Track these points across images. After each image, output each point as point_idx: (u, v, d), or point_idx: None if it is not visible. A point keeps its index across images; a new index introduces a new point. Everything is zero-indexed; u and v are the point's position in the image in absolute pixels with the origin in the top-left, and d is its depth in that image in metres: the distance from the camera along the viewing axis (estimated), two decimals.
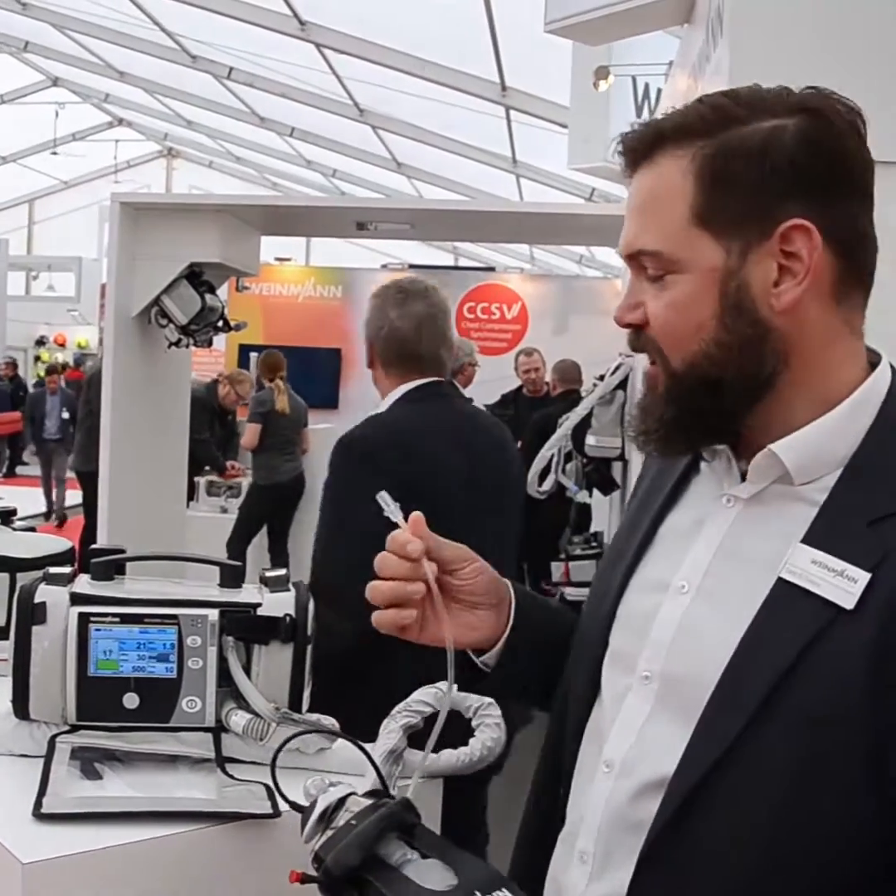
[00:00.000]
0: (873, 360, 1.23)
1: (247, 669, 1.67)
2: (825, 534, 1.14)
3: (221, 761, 1.65)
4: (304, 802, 1.31)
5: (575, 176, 10.87)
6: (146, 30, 12.35)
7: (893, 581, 1.08)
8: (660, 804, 1.15)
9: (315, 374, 11.47)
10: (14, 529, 2.36)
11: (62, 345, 22.79)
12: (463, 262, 19.70)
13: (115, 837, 1.45)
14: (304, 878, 1.21)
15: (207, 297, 5.08)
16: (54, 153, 21.57)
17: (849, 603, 1.09)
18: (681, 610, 1.22)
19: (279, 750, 1.44)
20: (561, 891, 1.29)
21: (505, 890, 1.13)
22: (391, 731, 1.65)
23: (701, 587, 1.21)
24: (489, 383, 8.84)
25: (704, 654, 1.16)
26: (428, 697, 1.68)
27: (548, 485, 5.45)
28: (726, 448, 1.24)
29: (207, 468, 8.30)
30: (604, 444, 5.07)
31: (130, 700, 1.64)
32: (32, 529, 2.45)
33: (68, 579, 1.71)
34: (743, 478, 1.23)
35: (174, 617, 1.65)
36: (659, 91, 7.02)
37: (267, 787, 1.57)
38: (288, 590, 1.74)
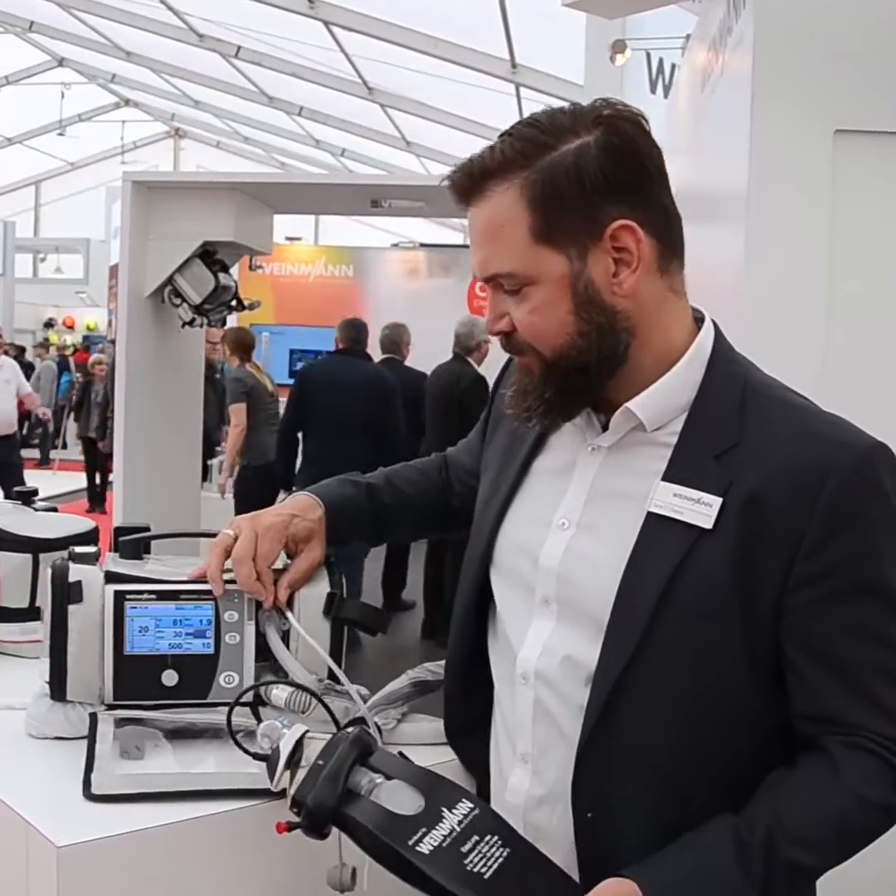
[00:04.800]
0: (698, 316, 1.47)
1: (284, 644, 1.66)
2: (681, 471, 1.38)
3: None
4: (261, 750, 1.43)
5: None
6: (153, 8, 12.30)
7: (741, 500, 1.33)
8: (587, 703, 1.38)
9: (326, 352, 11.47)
10: (35, 510, 2.35)
11: (71, 327, 22.80)
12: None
13: (157, 817, 1.44)
14: (291, 826, 1.32)
15: (221, 276, 5.08)
16: (61, 134, 21.55)
17: (708, 524, 1.34)
18: (564, 543, 1.45)
19: (236, 700, 1.56)
20: (507, 787, 1.50)
21: (465, 800, 1.31)
22: (399, 680, 1.79)
23: (580, 523, 1.45)
24: (500, 361, 8.82)
25: (595, 578, 1.40)
26: (436, 667, 1.79)
27: None
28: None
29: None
30: None
31: (169, 677, 1.64)
32: (54, 509, 2.43)
33: (95, 558, 1.70)
34: (604, 428, 1.45)
35: (210, 593, 1.64)
36: (673, 66, 6.97)
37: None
38: None
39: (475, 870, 1.24)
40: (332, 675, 1.66)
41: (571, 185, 1.33)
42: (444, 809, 1.29)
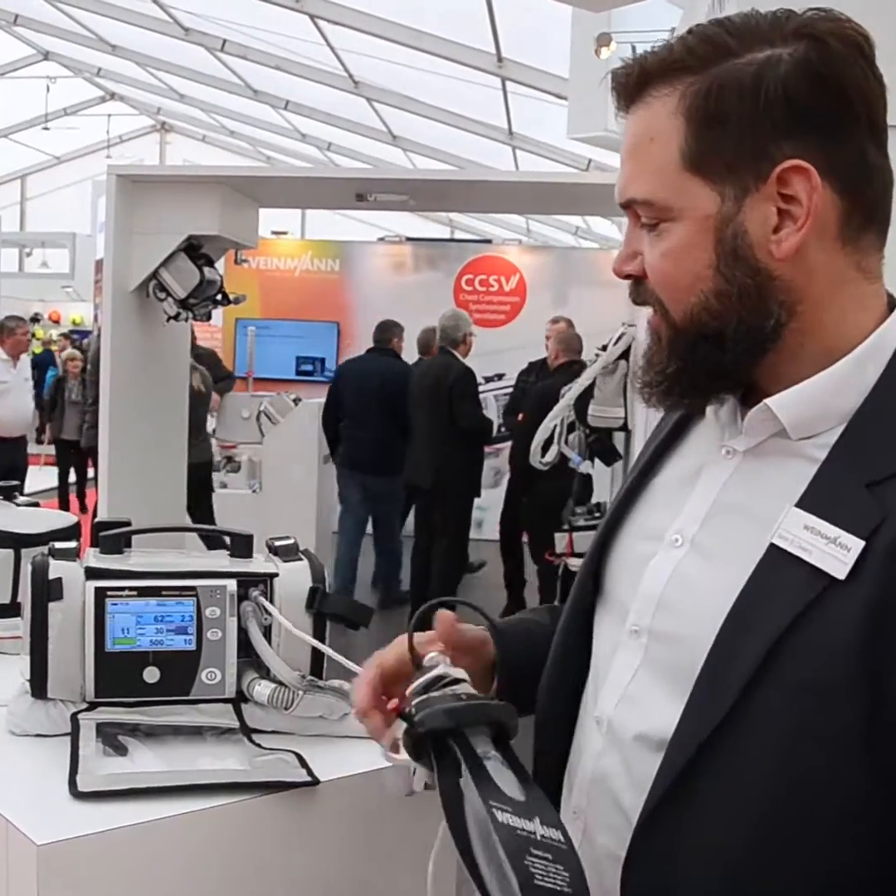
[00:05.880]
0: (894, 305, 1.17)
1: (266, 639, 1.66)
2: (820, 497, 1.09)
3: (247, 731, 1.64)
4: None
5: (571, 147, 10.82)
6: (138, 2, 12.24)
7: (888, 545, 1.04)
8: (658, 770, 1.13)
9: (313, 348, 11.46)
10: (17, 505, 2.34)
11: (56, 321, 22.70)
12: (458, 235, 19.63)
13: (139, 815, 1.42)
14: (402, 715, 1.25)
15: (206, 270, 5.06)
16: (46, 128, 21.42)
17: (841, 572, 1.05)
18: (672, 564, 1.19)
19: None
20: None
21: (561, 831, 1.13)
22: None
23: (695, 541, 1.18)
24: (487, 356, 8.82)
25: (695, 613, 1.14)
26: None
27: (551, 456, 5.44)
28: (733, 398, 1.20)
29: None
30: (606, 415, 5.07)
31: (151, 674, 1.63)
32: (36, 504, 2.42)
33: (76, 554, 1.69)
34: None
35: (192, 589, 1.63)
36: None
37: (298, 755, 1.56)
38: (300, 559, 1.74)
39: (531, 869, 1.09)
40: (314, 671, 1.66)
41: (742, 103, 1.07)
42: (538, 819, 1.14)
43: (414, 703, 1.24)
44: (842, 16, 1.09)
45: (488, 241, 13.93)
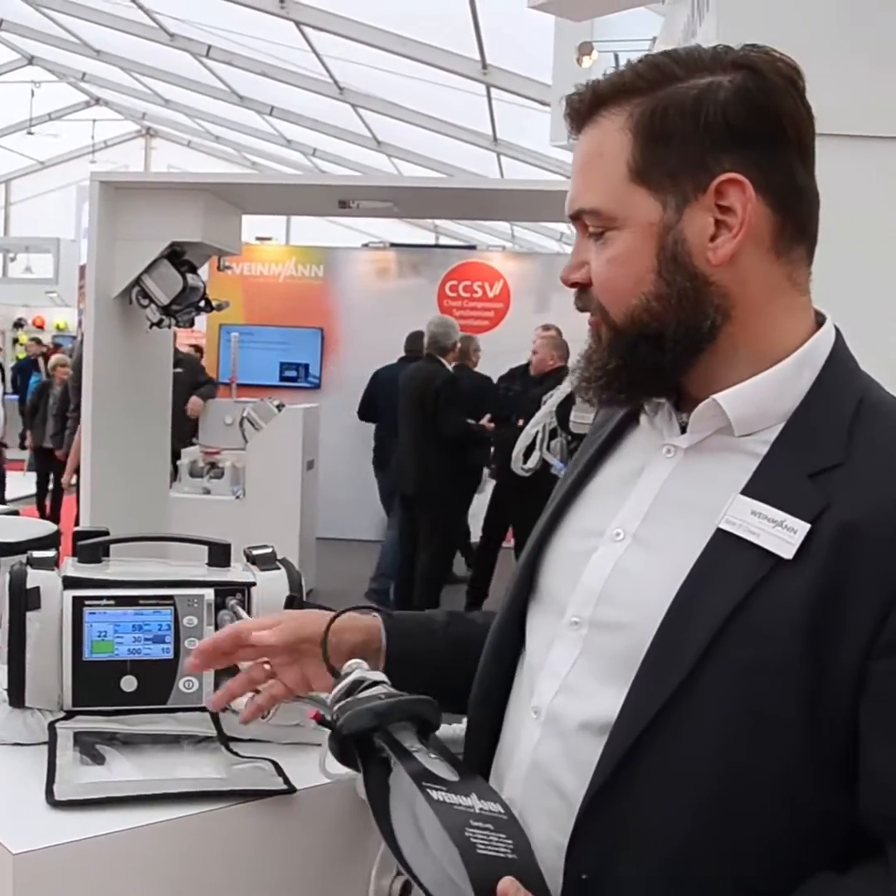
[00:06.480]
0: (820, 320, 1.25)
1: None
2: (765, 485, 1.15)
3: (225, 740, 1.64)
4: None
5: (555, 154, 10.83)
6: (123, 7, 12.23)
7: (833, 532, 1.09)
8: (600, 754, 1.16)
9: (297, 354, 11.45)
10: None
11: (40, 327, 22.63)
12: (443, 241, 19.64)
13: (115, 824, 1.42)
14: (321, 720, 1.28)
15: (189, 276, 5.07)
16: (30, 133, 21.38)
17: (787, 552, 1.10)
18: (614, 558, 1.23)
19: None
20: None
21: (500, 804, 1.16)
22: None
23: (637, 535, 1.23)
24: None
25: (639, 601, 1.18)
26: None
27: (532, 462, 5.46)
28: (666, 402, 1.27)
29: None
30: (588, 421, 5.05)
31: (128, 683, 1.63)
32: (16, 513, 2.42)
33: (54, 563, 1.69)
34: (683, 431, 1.24)
35: (170, 598, 1.64)
36: None
37: (275, 763, 1.57)
38: (277, 568, 1.75)
39: (472, 840, 1.10)
40: None
41: (684, 121, 1.15)
42: (474, 795, 1.16)
43: (335, 708, 1.26)
44: (775, 51, 1.19)
45: (472, 248, 13.94)
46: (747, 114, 1.15)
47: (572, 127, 1.24)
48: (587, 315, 1.26)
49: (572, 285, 1.26)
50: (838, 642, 1.08)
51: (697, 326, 1.19)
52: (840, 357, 1.22)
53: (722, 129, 1.15)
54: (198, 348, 12.18)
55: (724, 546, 1.14)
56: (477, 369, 8.67)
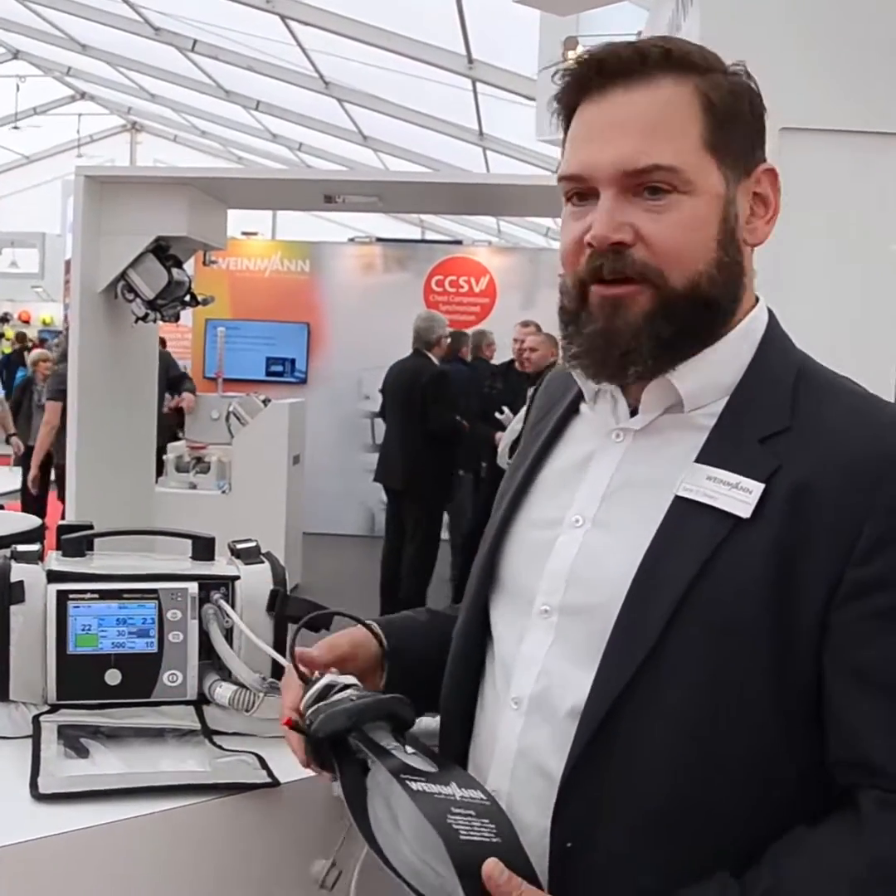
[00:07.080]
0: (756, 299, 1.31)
1: (227, 642, 1.67)
2: (718, 451, 1.19)
3: (209, 733, 1.65)
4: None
5: (541, 148, 10.84)
6: (108, 1, 12.20)
7: (786, 491, 1.14)
8: (575, 732, 1.18)
9: (283, 348, 11.44)
10: None
11: (26, 322, 22.58)
12: (429, 236, 19.62)
13: (99, 817, 1.42)
14: (294, 726, 1.27)
15: (174, 271, 5.07)
16: (15, 127, 21.30)
17: (745, 512, 1.14)
18: (577, 542, 1.25)
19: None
20: None
21: (481, 792, 1.16)
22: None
23: (596, 519, 1.25)
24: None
25: (605, 580, 1.20)
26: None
27: None
28: (613, 388, 1.29)
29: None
30: None
31: (112, 676, 1.64)
32: (0, 507, 2.42)
33: (38, 557, 1.70)
34: (632, 414, 1.28)
35: (154, 591, 1.64)
36: None
37: (259, 757, 1.57)
38: (261, 561, 1.75)
39: (455, 827, 1.09)
40: (275, 673, 1.67)
41: (745, 106, 1.23)
42: (454, 784, 1.16)
43: (307, 713, 1.27)
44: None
45: (458, 242, 13.94)
46: (762, 111, 1.26)
47: (613, 75, 1.21)
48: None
49: (614, 245, 1.20)
50: (800, 597, 1.12)
51: (736, 298, 1.24)
52: (775, 332, 1.28)
53: (759, 121, 1.25)
54: (162, 341, 12.11)
55: (683, 512, 1.18)
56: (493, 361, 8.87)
